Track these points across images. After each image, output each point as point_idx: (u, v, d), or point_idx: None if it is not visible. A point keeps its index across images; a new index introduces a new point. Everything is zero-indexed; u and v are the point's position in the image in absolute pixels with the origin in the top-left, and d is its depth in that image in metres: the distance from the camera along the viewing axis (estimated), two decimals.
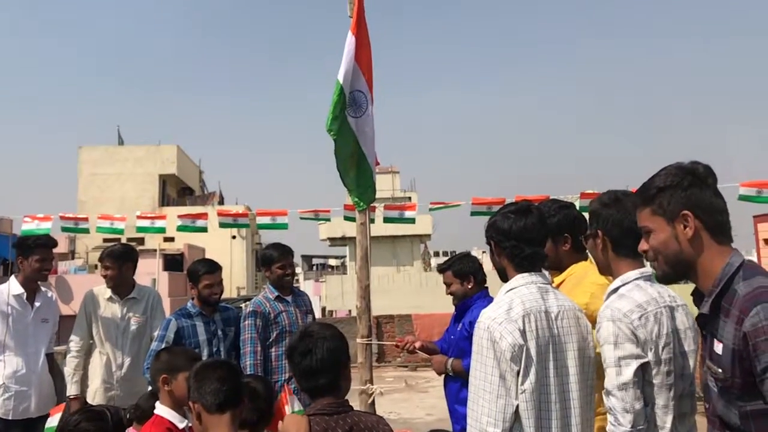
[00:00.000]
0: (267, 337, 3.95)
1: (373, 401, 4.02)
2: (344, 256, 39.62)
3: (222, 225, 6.26)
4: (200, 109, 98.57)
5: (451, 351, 3.71)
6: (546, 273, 2.30)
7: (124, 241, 7.70)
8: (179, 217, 6.09)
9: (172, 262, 24.26)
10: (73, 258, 27.81)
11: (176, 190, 39.27)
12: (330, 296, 26.54)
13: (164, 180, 37.12)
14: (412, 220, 6.38)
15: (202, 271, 3.92)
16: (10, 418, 3.94)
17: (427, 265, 35.69)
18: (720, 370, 1.63)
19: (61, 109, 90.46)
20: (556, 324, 2.09)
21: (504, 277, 2.26)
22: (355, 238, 4.37)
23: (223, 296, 4.11)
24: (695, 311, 1.80)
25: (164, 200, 36.49)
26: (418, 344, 3.91)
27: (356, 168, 4.20)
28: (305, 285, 33.10)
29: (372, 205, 4.59)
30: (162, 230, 6.21)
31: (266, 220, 6.07)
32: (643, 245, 1.86)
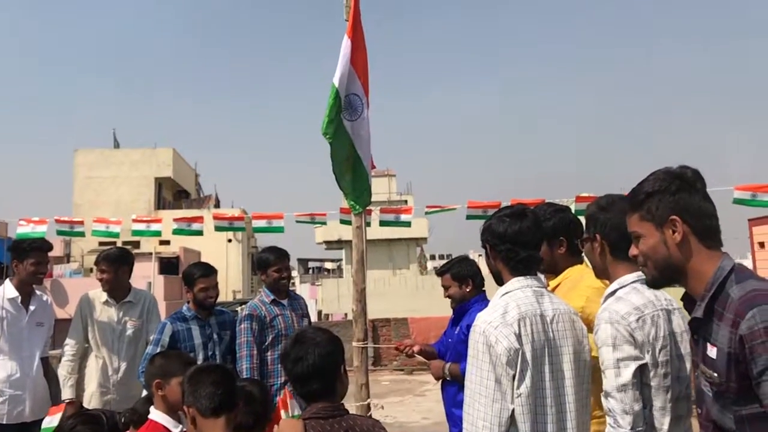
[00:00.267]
0: (263, 341, 3.95)
1: (369, 405, 4.02)
2: (340, 260, 39.62)
3: (218, 228, 6.24)
4: (196, 113, 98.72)
5: (448, 354, 3.72)
6: (541, 276, 2.30)
7: (119, 244, 7.66)
8: (175, 220, 6.06)
9: (168, 266, 24.22)
10: (68, 261, 27.74)
11: (172, 194, 39.24)
12: (326, 300, 26.50)
13: (160, 183, 37.11)
14: (408, 224, 6.36)
15: (197, 275, 3.91)
16: (4, 422, 3.92)
17: (423, 268, 35.66)
18: (715, 374, 1.62)
19: (56, 111, 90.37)
20: (551, 327, 2.09)
21: (499, 281, 2.26)
22: (351, 241, 4.36)
23: (219, 300, 4.11)
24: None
25: (160, 203, 36.49)
26: (416, 348, 3.92)
27: (352, 171, 4.19)
28: (301, 288, 33.10)
29: (368, 208, 4.58)
30: (158, 234, 6.18)
31: (262, 223, 6.05)
32: (632, 250, 1.87)
